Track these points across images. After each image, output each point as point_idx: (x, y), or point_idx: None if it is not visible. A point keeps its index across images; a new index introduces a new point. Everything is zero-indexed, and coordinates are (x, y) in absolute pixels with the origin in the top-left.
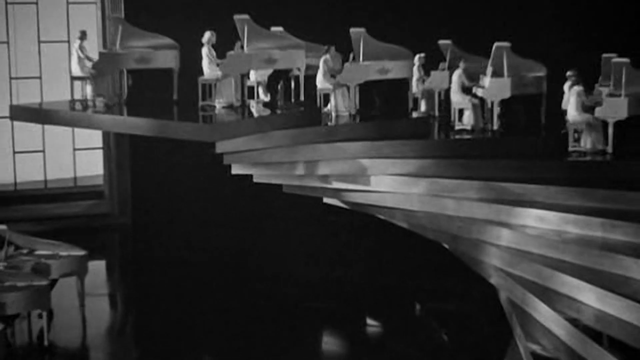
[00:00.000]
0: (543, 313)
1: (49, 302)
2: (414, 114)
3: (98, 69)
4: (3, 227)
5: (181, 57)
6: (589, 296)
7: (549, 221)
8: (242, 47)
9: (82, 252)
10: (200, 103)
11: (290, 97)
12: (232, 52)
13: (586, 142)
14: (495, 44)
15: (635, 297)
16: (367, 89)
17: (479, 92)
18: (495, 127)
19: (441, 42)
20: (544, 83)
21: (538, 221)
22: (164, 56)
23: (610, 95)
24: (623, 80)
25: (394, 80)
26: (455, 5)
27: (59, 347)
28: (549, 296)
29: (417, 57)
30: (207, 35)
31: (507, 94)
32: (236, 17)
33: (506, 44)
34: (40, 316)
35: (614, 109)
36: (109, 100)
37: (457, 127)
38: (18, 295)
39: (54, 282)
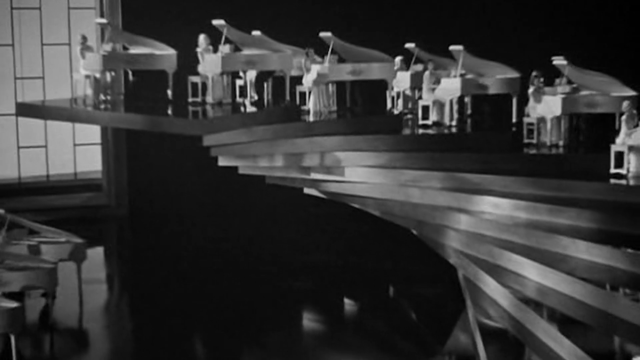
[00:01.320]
0: (491, 287)
1: (56, 283)
2: (395, 112)
3: (88, 69)
4: (1, 211)
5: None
6: (532, 272)
7: (503, 207)
8: (238, 49)
9: (80, 240)
10: (190, 100)
11: (280, 96)
12: (207, 55)
13: (542, 136)
14: (450, 48)
15: (571, 272)
16: (356, 89)
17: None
18: (448, 122)
19: (407, 45)
20: (516, 84)
21: (493, 207)
22: (158, 59)
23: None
24: (564, 80)
25: (381, 81)
26: (446, 10)
27: (60, 322)
28: (497, 272)
29: (397, 59)
30: (202, 38)
31: (457, 93)
32: (214, 22)
33: (459, 47)
34: (44, 295)
35: (549, 106)
36: (95, 98)
37: (420, 123)
38: (28, 274)
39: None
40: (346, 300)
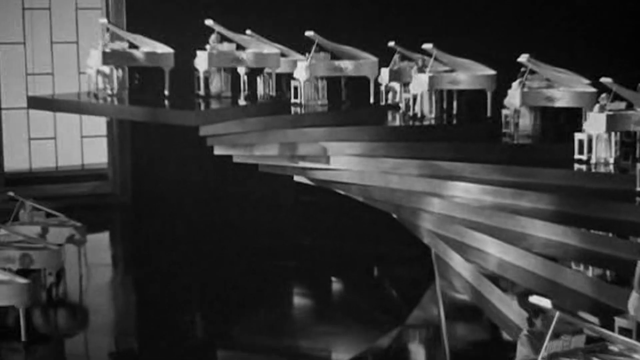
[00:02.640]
0: (457, 262)
1: (60, 263)
2: (380, 104)
3: (93, 65)
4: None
5: (180, 56)
6: (493, 248)
7: (472, 192)
8: (238, 47)
9: (79, 224)
10: (196, 92)
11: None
12: (199, 52)
13: (516, 127)
14: (423, 46)
15: (528, 248)
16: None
17: None
18: (425, 114)
19: (390, 44)
20: (492, 80)
21: (464, 192)
22: (156, 57)
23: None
24: (525, 77)
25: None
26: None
27: (66, 298)
28: (463, 249)
29: (395, 56)
30: (213, 36)
31: (425, 88)
32: (206, 22)
33: (430, 45)
34: (50, 274)
35: (514, 99)
36: (101, 92)
37: (402, 115)
38: (41, 254)
39: None
40: (332, 280)
